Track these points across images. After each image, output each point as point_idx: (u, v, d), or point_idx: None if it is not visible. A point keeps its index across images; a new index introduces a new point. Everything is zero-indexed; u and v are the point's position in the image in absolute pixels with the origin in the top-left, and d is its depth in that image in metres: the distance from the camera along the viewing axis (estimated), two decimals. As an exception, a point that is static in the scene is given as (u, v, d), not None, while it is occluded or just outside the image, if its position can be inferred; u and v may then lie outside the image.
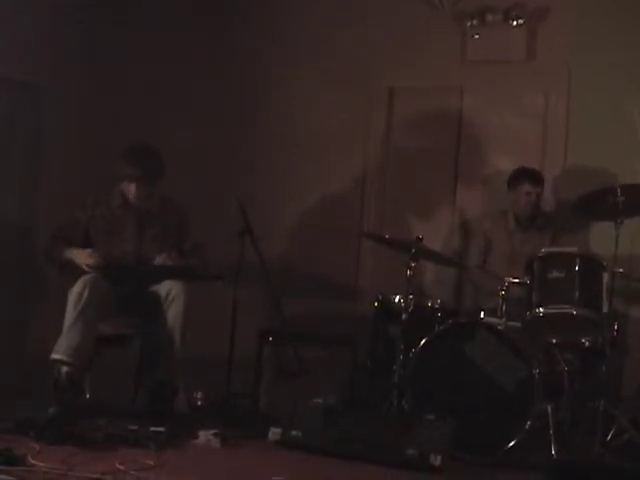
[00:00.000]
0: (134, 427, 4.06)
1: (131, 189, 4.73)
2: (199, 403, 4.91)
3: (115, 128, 5.88)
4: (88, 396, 4.50)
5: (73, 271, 4.60)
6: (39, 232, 5.57)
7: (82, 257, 4.63)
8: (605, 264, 4.45)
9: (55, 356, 4.39)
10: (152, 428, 4.07)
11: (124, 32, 6.09)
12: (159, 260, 4.73)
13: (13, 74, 5.61)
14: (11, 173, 5.83)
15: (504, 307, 4.56)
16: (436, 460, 3.89)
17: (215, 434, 4.16)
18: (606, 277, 4.44)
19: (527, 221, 5.25)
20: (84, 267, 4.58)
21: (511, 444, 4.20)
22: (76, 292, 4.44)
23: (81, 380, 4.44)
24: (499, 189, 5.37)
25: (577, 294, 4.43)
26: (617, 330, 4.57)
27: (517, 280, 4.61)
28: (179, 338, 4.56)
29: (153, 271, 4.70)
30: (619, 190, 4.43)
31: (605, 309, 4.39)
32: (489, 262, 5.29)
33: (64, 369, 4.37)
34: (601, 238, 4.75)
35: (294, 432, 4.16)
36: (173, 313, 4.57)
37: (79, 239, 4.76)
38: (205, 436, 4.16)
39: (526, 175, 5.22)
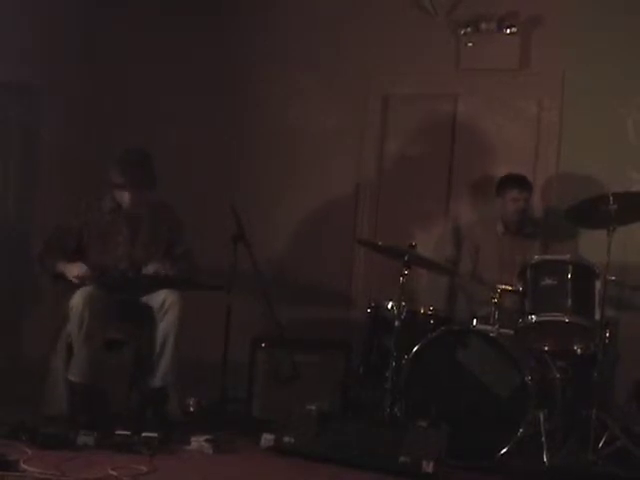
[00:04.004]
0: (127, 433, 4.06)
1: (124, 197, 4.72)
2: (192, 409, 4.90)
3: (115, 129, 5.88)
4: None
5: (67, 282, 4.61)
6: (37, 235, 5.55)
7: (71, 270, 4.62)
8: (598, 271, 4.46)
9: (72, 378, 4.49)
10: (145, 434, 4.07)
11: (124, 32, 6.10)
12: (152, 269, 4.72)
13: (12, 75, 5.60)
14: (9, 175, 5.82)
15: (497, 314, 4.56)
16: (429, 467, 3.90)
17: (207, 440, 4.17)
18: (598, 284, 4.44)
19: (515, 227, 5.26)
20: (73, 279, 4.58)
21: (503, 451, 4.21)
22: (77, 310, 4.45)
23: (99, 392, 4.52)
24: (492, 196, 5.38)
25: (570, 302, 4.43)
26: (609, 337, 4.59)
27: (510, 287, 4.62)
28: (173, 344, 4.56)
29: (150, 281, 4.69)
30: (611, 198, 4.42)
31: (597, 316, 4.39)
32: (479, 269, 5.29)
33: (81, 387, 4.46)
34: (593, 246, 4.75)
35: (287, 438, 4.17)
36: (168, 321, 4.57)
37: (72, 246, 4.75)
38: (198, 442, 4.17)
39: (513, 181, 5.23)
